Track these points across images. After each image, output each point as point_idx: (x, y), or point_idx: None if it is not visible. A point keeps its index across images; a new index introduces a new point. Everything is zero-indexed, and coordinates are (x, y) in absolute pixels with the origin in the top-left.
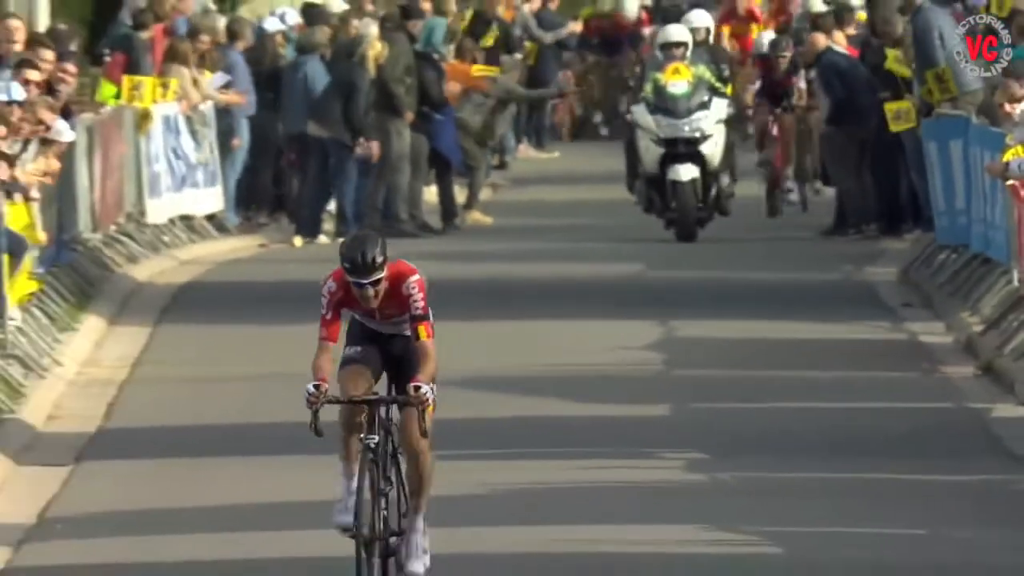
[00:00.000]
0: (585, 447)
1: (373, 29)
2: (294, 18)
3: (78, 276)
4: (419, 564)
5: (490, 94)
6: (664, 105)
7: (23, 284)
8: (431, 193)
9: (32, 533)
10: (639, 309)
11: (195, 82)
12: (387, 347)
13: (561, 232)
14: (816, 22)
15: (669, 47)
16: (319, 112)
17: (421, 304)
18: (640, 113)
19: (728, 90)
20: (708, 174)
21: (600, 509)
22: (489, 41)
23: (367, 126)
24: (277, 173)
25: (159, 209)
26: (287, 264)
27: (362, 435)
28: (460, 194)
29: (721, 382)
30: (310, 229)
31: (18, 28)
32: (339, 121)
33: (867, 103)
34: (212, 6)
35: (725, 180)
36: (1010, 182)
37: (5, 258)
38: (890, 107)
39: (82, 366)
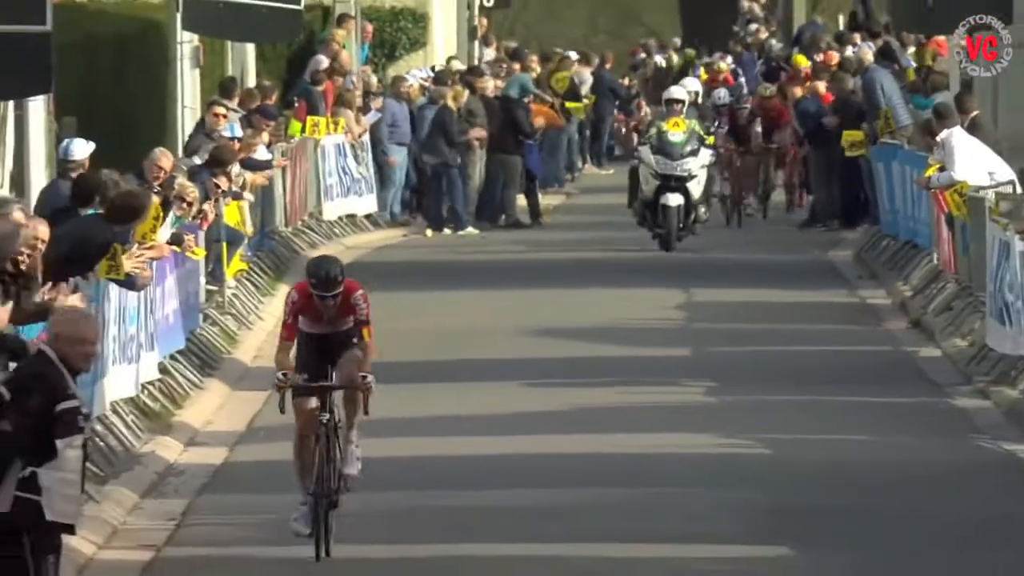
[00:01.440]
0: (620, 377)
1: (445, 90)
2: (427, 74)
3: (275, 257)
4: (353, 468)
5: (564, 128)
6: (664, 148)
7: (236, 263)
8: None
9: (243, 438)
10: (665, 279)
11: (356, 120)
12: (328, 347)
13: (611, 227)
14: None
15: (671, 103)
16: (427, 146)
17: (365, 312)
18: (645, 152)
19: (710, 140)
20: (690, 203)
21: (628, 421)
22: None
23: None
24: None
25: (331, 209)
26: (420, 248)
27: (318, 413)
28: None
29: (726, 333)
30: (437, 224)
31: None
32: (441, 150)
33: (833, 135)
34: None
35: (701, 209)
36: (931, 190)
37: (224, 245)
38: (847, 136)
39: (277, 320)
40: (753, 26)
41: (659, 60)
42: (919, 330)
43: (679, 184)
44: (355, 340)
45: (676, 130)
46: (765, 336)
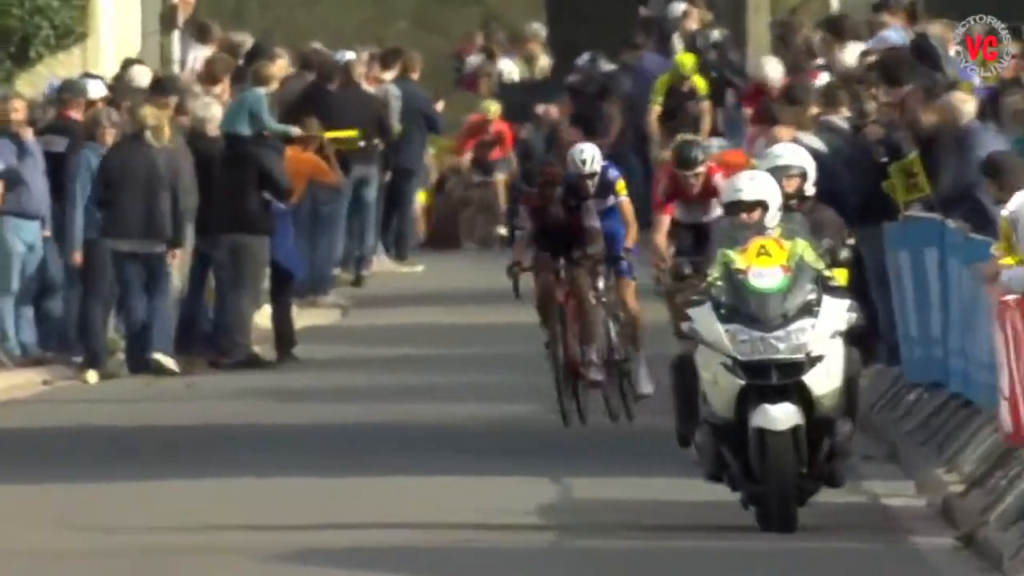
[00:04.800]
0: None
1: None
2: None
3: None
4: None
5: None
6: (745, 307)
7: None
8: None
9: None
10: (527, 461)
11: None
12: None
13: (417, 366)
14: None
15: (740, 209)
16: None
17: None
18: (703, 318)
19: (843, 276)
20: (817, 420)
21: None
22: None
23: None
24: None
25: None
26: (62, 406)
27: None
28: None
29: (632, 554)
30: (93, 360)
31: None
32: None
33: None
34: None
35: (844, 428)
36: (995, 296)
37: None
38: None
39: None
40: (679, 6)
41: (503, 67)
42: (974, 551)
43: (787, 379)
44: None
45: (766, 264)
46: (712, 558)
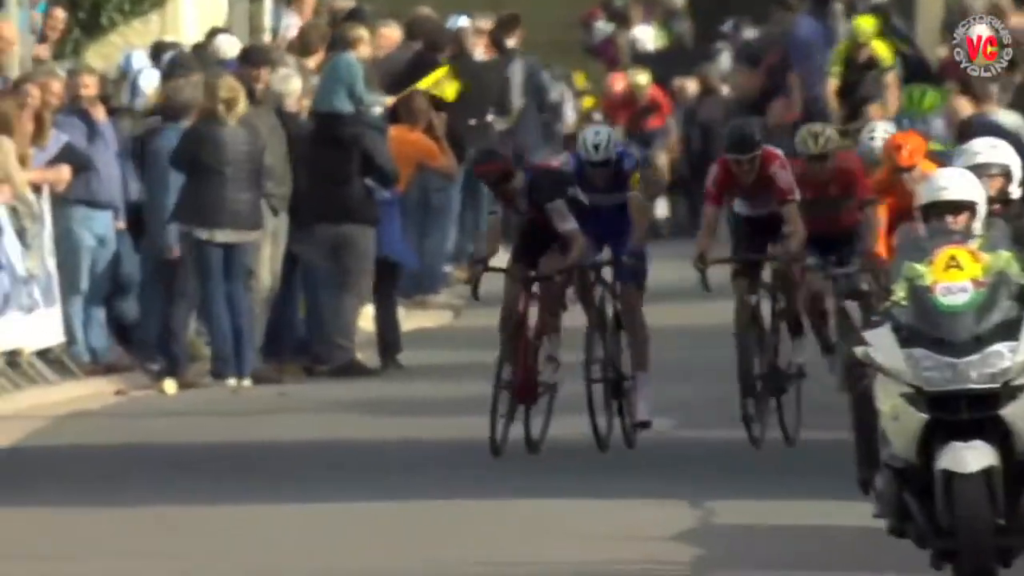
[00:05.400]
0: None
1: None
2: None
3: None
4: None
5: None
6: (931, 330)
7: None
8: None
9: None
10: (663, 481)
11: (25, 158)
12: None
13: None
14: None
15: (939, 211)
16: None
17: None
18: (881, 342)
19: None
20: (1019, 463)
21: None
22: None
23: None
24: None
25: None
26: (140, 419)
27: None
28: None
29: None
30: (172, 368)
31: None
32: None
33: None
34: None
35: None
36: None
37: None
38: None
39: None
40: None
41: (638, 34)
42: None
43: (980, 413)
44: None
45: (955, 278)
46: None
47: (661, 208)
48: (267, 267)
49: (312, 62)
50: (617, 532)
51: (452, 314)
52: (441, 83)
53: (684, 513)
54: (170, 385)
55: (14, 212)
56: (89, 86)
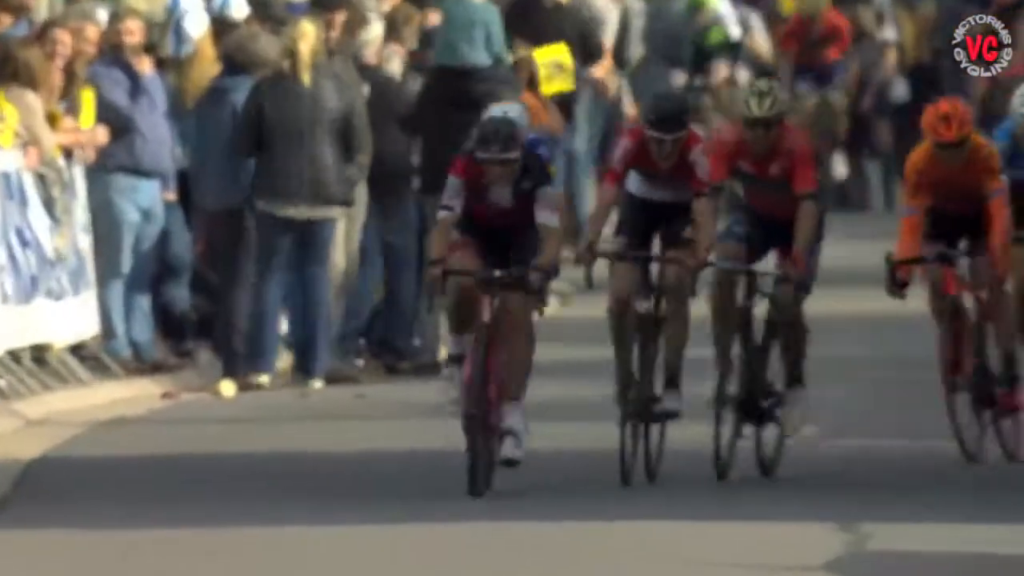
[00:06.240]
0: None
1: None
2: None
3: None
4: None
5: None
6: None
7: None
8: None
9: None
10: (811, 502)
11: (55, 117)
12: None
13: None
14: None
15: None
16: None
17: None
18: None
19: None
20: None
21: None
22: None
23: None
24: None
25: None
26: (196, 425)
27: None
28: None
29: None
30: (231, 365)
31: None
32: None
33: None
34: None
35: None
36: None
37: None
38: None
39: None
40: None
41: None
42: None
43: None
44: None
45: None
46: None
47: (840, 166)
48: (341, 248)
49: (387, 5)
50: (749, 560)
51: (558, 302)
52: (553, 73)
53: (832, 537)
54: (227, 386)
55: (41, 180)
56: (133, 32)
